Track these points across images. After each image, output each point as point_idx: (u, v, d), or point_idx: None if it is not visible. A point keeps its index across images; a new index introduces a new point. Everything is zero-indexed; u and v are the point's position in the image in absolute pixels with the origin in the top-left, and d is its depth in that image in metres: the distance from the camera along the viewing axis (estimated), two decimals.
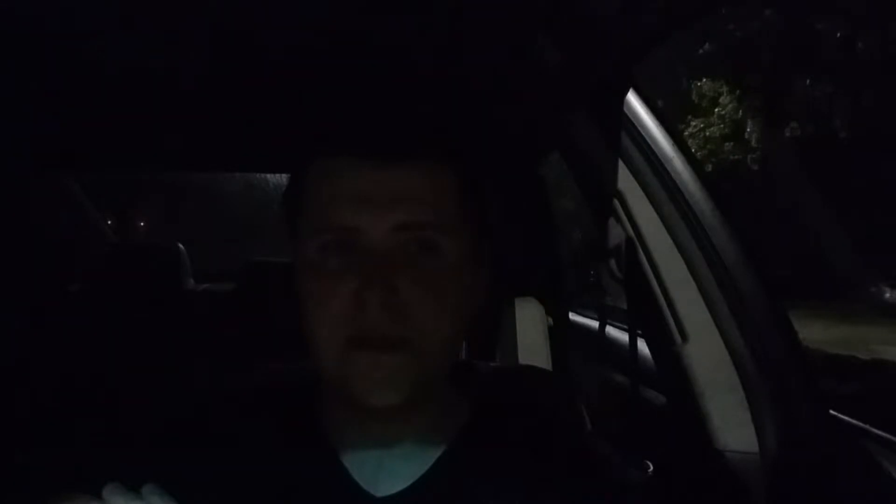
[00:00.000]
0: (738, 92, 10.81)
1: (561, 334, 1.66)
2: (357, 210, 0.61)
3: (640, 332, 1.19)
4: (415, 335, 0.60)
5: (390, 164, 0.62)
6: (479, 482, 0.64)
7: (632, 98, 1.07)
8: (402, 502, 0.63)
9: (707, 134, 10.98)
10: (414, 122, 0.68)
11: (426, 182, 0.63)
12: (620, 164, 1.08)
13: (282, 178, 2.95)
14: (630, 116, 1.07)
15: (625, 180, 1.08)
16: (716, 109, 11.01)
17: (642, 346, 1.19)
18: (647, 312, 1.11)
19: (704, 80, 11.00)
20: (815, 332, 6.20)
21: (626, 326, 1.26)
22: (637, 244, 1.09)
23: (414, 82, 1.22)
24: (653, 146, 1.06)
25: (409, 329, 0.60)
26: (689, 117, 11.09)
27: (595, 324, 1.59)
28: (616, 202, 1.10)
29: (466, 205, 0.66)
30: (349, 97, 1.22)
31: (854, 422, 1.05)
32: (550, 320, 1.63)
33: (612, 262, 1.15)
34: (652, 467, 1.08)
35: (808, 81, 10.01)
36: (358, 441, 0.65)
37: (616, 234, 1.12)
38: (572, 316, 1.97)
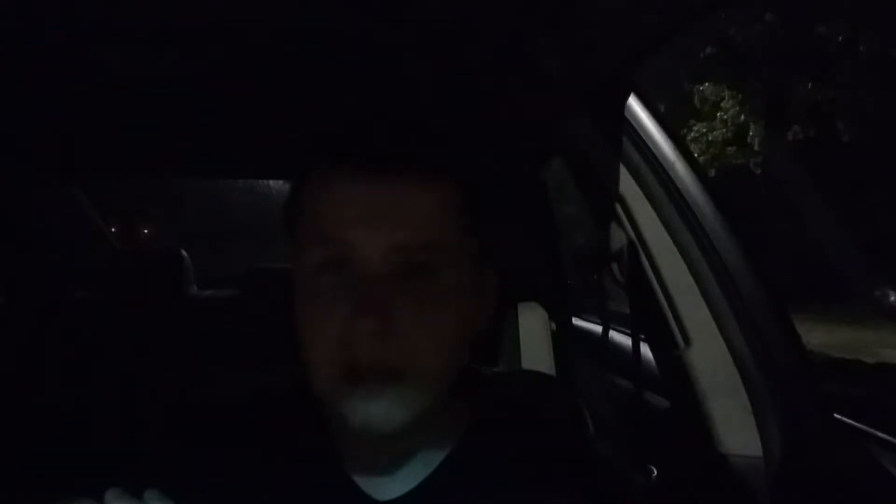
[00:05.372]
0: (740, 96, 10.81)
1: (564, 339, 1.66)
2: (354, 225, 0.59)
3: (642, 336, 1.19)
4: (410, 365, 0.58)
5: (389, 177, 0.59)
6: (482, 486, 0.64)
7: (633, 102, 1.08)
8: None
9: (710, 138, 10.98)
10: (413, 129, 0.66)
11: (427, 198, 0.60)
12: (622, 168, 1.08)
13: (284, 185, 2.96)
14: (631, 120, 1.07)
15: (626, 184, 1.08)
16: (718, 113, 11.00)
17: (645, 350, 1.19)
18: (650, 316, 1.11)
19: (706, 83, 10.99)
20: (818, 337, 6.20)
21: (628, 331, 1.26)
22: (639, 248, 1.09)
23: (414, 89, 1.22)
24: (654, 150, 1.05)
25: (405, 359, 0.58)
26: (692, 121, 11.09)
27: (598, 328, 1.59)
28: (618, 206, 1.10)
29: (467, 221, 0.63)
30: (348, 104, 1.22)
31: (858, 425, 1.04)
32: (553, 325, 1.63)
33: (615, 267, 1.15)
34: (655, 471, 1.08)
35: (809, 85, 10.01)
36: (360, 445, 0.65)
37: (618, 239, 1.12)
38: (575, 321, 1.97)
